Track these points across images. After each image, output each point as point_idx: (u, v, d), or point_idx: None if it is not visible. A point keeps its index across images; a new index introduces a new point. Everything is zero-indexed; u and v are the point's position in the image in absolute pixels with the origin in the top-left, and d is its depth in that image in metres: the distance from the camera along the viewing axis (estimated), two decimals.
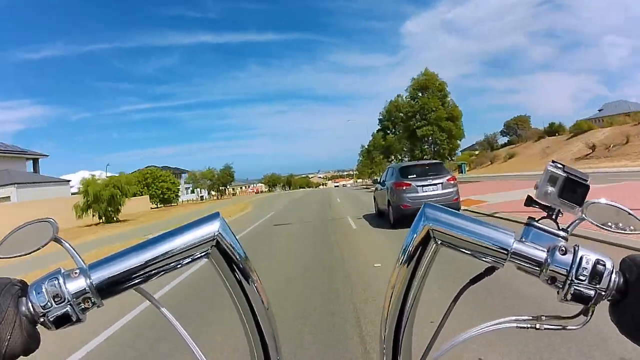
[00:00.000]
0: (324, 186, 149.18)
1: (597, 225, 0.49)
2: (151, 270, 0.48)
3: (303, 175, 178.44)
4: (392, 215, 9.98)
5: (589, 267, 0.45)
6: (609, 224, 0.49)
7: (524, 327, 0.50)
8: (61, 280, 0.44)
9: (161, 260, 0.48)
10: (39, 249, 0.48)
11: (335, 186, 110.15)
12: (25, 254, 0.49)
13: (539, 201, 0.50)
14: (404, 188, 9.75)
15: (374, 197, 12.86)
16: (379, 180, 12.60)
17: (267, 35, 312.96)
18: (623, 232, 0.49)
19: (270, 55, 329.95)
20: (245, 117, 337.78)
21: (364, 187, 47.34)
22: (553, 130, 53.16)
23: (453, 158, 36.04)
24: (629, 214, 0.49)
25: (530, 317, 0.50)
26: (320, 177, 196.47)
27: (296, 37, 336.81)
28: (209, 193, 66.79)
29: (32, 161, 34.17)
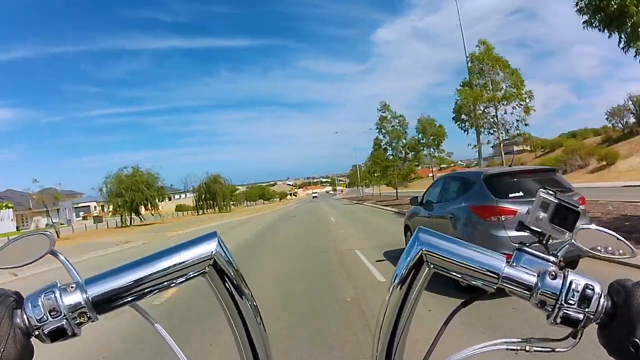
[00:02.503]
0: (294, 196, 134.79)
1: (586, 249, 0.50)
2: (147, 288, 0.48)
3: (271, 183, 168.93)
4: None
5: (578, 291, 0.45)
6: (598, 248, 0.50)
7: (514, 350, 0.50)
8: (57, 294, 0.44)
9: (158, 278, 0.48)
10: (34, 261, 0.48)
11: (313, 196, 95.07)
12: (21, 266, 0.49)
13: (531, 227, 0.50)
14: (503, 219, 4.82)
15: (406, 226, 7.82)
16: (420, 199, 7.24)
17: (237, 40, 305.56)
18: (612, 256, 0.50)
19: (240, 61, 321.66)
20: (215, 124, 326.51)
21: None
22: None
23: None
24: (618, 238, 0.50)
25: (520, 340, 0.51)
26: (289, 184, 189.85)
27: (266, 43, 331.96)
28: None
29: None
